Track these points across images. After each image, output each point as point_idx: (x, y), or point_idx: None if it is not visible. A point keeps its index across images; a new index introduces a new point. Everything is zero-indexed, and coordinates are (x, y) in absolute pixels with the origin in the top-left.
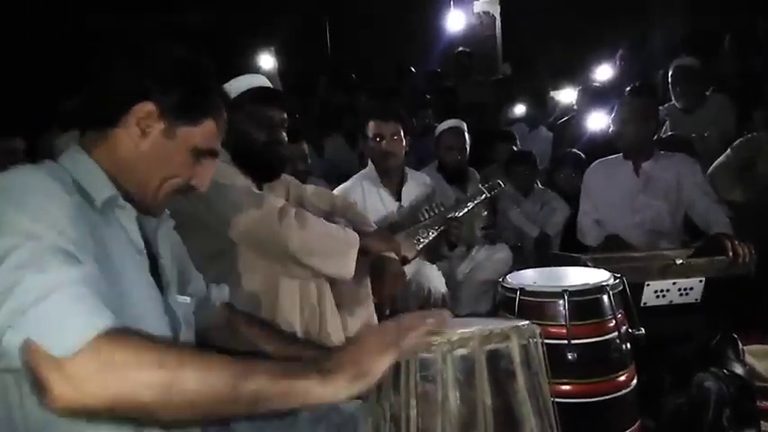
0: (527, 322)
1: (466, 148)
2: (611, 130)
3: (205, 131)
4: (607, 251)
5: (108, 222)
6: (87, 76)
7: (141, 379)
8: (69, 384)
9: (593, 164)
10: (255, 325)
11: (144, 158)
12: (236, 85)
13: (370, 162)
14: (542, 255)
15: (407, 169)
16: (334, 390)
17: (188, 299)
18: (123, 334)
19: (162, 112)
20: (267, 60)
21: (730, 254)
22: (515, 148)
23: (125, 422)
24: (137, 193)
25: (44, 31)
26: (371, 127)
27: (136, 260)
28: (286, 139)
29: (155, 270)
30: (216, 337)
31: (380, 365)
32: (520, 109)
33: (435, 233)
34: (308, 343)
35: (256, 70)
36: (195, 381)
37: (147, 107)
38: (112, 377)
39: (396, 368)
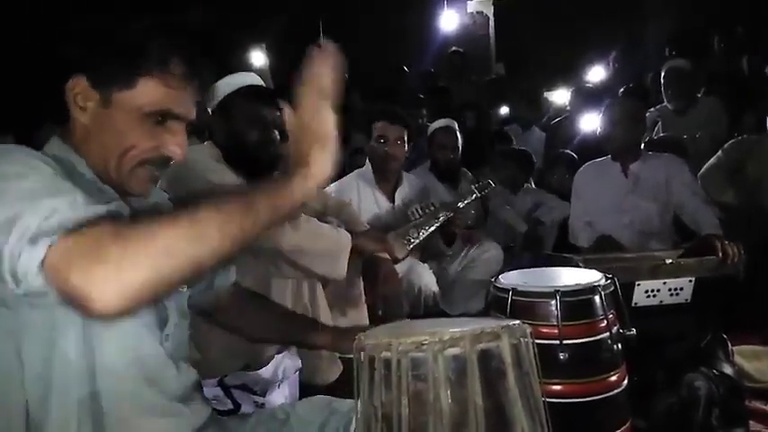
0: (518, 322)
1: (458, 147)
2: (599, 131)
3: (147, 92)
4: (599, 252)
5: (98, 200)
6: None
7: (162, 239)
8: (103, 276)
9: (583, 166)
10: (258, 303)
11: (93, 135)
12: (229, 83)
13: (367, 161)
14: (534, 250)
15: (403, 172)
16: (308, 178)
17: (183, 288)
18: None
19: (93, 83)
20: (259, 58)
21: (720, 254)
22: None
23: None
24: (103, 174)
25: (34, 28)
26: (378, 128)
27: None
28: (278, 137)
29: None
30: (221, 317)
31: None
32: (513, 109)
33: (426, 233)
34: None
35: (248, 68)
36: (214, 221)
37: (78, 81)
38: (136, 246)
39: (387, 366)
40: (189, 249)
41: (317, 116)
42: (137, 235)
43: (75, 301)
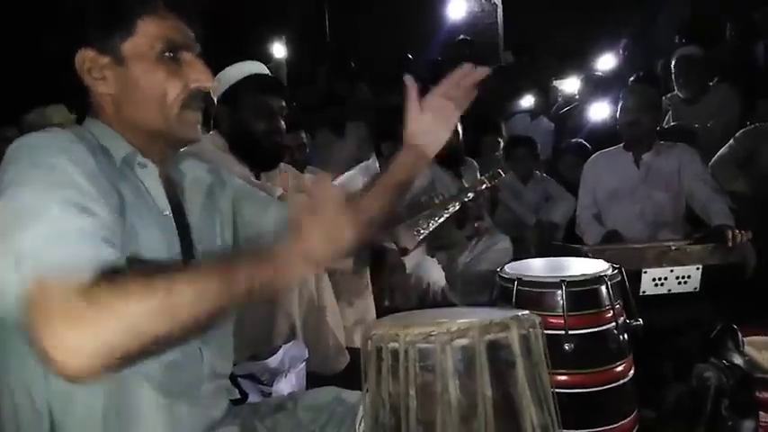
0: (527, 312)
1: (458, 133)
2: (617, 117)
3: (148, 31)
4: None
5: (131, 184)
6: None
7: (135, 311)
8: (73, 344)
9: (593, 156)
10: None
11: (124, 100)
12: (235, 73)
13: (373, 155)
14: (544, 242)
15: None
16: (311, 253)
17: None
18: (115, 275)
19: (98, 48)
20: (279, 49)
21: (729, 244)
22: (500, 140)
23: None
24: (150, 137)
25: (38, 21)
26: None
27: (157, 222)
28: (284, 127)
29: (186, 230)
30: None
31: (347, 233)
32: (521, 98)
33: (436, 223)
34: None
35: (268, 60)
36: (189, 295)
37: (84, 54)
38: (108, 316)
39: (395, 357)
40: (159, 324)
41: (325, 198)
42: (111, 302)
43: (44, 360)
